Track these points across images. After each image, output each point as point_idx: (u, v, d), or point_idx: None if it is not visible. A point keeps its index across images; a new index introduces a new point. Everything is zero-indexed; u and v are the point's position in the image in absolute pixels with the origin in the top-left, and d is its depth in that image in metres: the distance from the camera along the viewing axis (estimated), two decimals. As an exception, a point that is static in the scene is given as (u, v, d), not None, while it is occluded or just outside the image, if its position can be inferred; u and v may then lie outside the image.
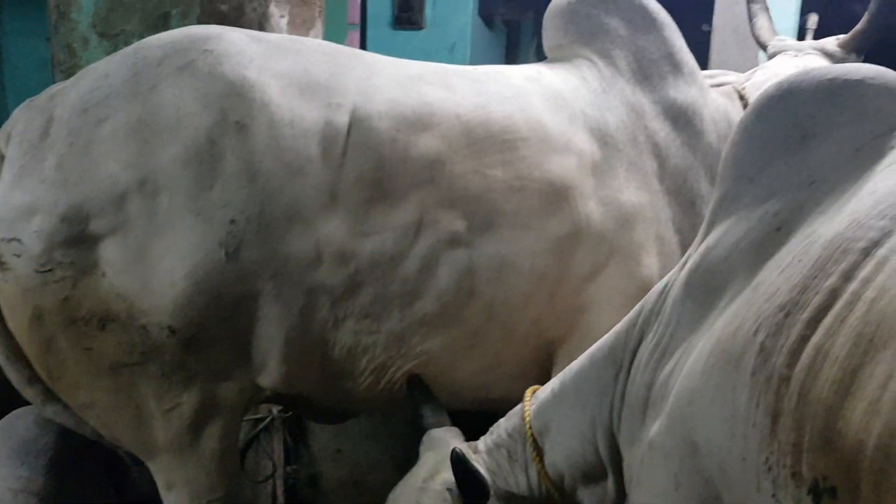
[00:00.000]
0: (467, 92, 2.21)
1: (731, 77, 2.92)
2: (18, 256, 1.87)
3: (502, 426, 2.01)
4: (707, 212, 1.78)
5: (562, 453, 1.90)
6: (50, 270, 1.87)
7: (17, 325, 1.95)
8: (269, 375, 2.05)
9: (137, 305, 1.90)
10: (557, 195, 2.20)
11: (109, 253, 1.88)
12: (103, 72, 1.99)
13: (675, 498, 1.59)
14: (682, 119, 2.42)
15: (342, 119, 2.02)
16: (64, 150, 1.90)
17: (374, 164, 2.03)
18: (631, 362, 1.81)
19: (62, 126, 1.92)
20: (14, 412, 2.60)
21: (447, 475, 1.88)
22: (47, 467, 2.42)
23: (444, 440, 2.00)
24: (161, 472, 2.09)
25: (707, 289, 1.64)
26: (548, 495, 1.93)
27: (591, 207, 2.24)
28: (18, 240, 1.87)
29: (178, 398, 1.99)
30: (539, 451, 1.92)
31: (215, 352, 1.98)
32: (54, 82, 3.47)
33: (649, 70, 2.43)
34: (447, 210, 2.10)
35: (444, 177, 2.10)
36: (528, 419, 1.95)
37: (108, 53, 3.37)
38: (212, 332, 1.95)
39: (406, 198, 2.07)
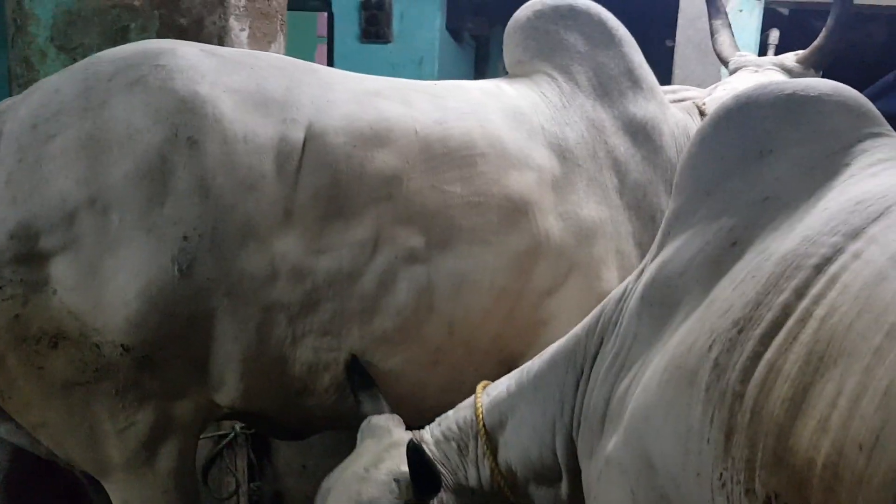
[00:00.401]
0: (425, 107, 2.19)
1: (693, 92, 2.94)
2: None
3: (451, 418, 1.98)
4: (662, 222, 1.78)
5: (517, 452, 1.89)
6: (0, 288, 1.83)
7: None
8: (227, 393, 2.02)
9: (90, 324, 1.86)
10: (516, 210, 2.19)
11: (60, 270, 1.84)
12: (54, 87, 1.95)
13: None
14: (641, 134, 2.43)
15: (297, 135, 2.00)
16: (13, 166, 1.86)
17: (329, 181, 2.01)
18: (591, 370, 1.80)
19: (12, 142, 1.88)
20: None
21: (391, 464, 1.83)
22: (1, 487, 2.36)
23: (385, 428, 1.95)
24: (117, 491, 2.05)
25: (663, 304, 1.64)
26: (499, 490, 1.91)
27: (550, 222, 2.24)
28: None
29: (132, 417, 1.95)
30: (492, 448, 1.90)
31: (170, 370, 1.95)
32: (11, 96, 3.44)
33: (609, 86, 2.44)
34: (405, 226, 2.08)
35: (402, 193, 2.08)
36: (480, 414, 1.92)
37: (66, 65, 3.33)
38: (166, 350, 1.92)
39: (363, 214, 2.05)
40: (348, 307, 2.06)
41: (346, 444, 3.29)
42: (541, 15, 2.48)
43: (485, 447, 1.90)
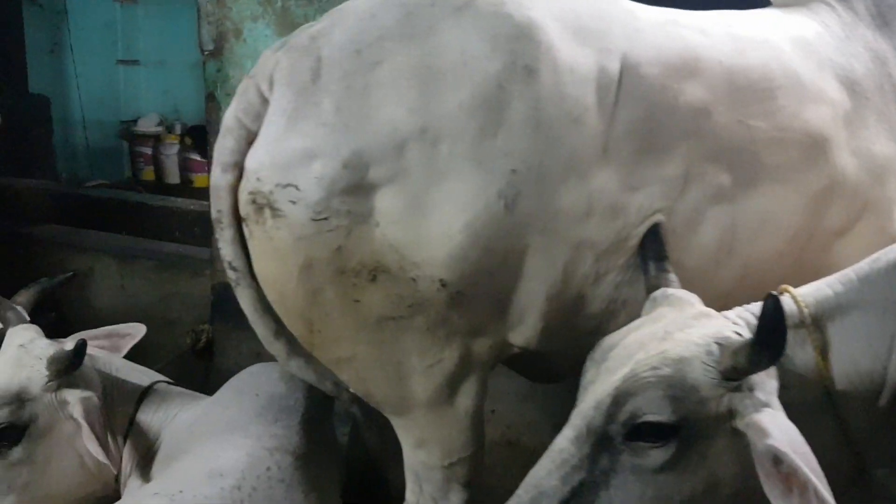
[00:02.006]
0: (721, 36, 2.09)
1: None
2: (294, 203, 1.78)
3: (749, 310, 1.77)
4: None
5: (842, 359, 1.74)
6: (325, 219, 1.78)
7: (284, 274, 1.86)
8: (524, 332, 1.96)
9: (409, 257, 1.81)
10: (815, 147, 2.09)
11: (385, 202, 1.78)
12: (368, 12, 1.87)
13: None
14: None
15: (613, 65, 1.91)
16: (341, 93, 1.79)
17: (644, 114, 1.92)
18: None
19: (334, 68, 1.81)
20: (249, 368, 2.52)
21: (704, 331, 1.63)
22: (301, 425, 2.33)
23: (687, 301, 1.79)
24: (412, 428, 2.03)
25: None
26: (817, 382, 1.72)
27: (845, 159, 2.13)
28: (295, 185, 1.78)
29: (440, 354, 1.91)
30: (820, 342, 1.73)
31: (477, 306, 1.89)
32: (199, 34, 3.39)
33: (888, 15, 2.33)
34: (712, 163, 1.99)
35: (709, 127, 1.98)
36: (803, 306, 1.75)
37: (261, 2, 3.27)
38: (479, 286, 1.86)
39: (673, 149, 1.95)
40: None
41: (537, 390, 3.24)
42: None
43: (811, 337, 1.73)
